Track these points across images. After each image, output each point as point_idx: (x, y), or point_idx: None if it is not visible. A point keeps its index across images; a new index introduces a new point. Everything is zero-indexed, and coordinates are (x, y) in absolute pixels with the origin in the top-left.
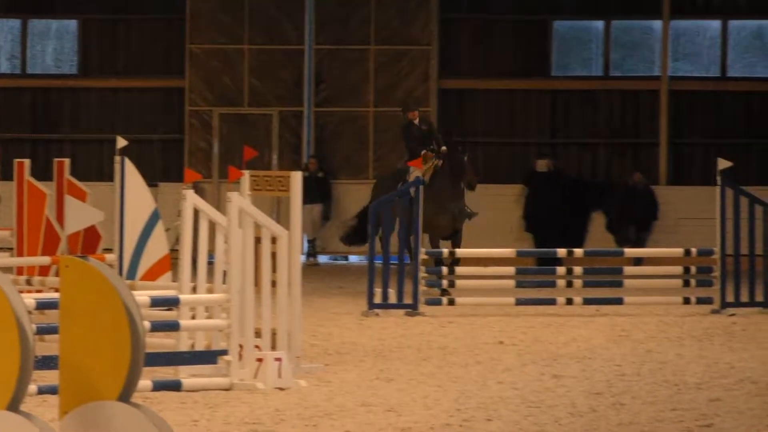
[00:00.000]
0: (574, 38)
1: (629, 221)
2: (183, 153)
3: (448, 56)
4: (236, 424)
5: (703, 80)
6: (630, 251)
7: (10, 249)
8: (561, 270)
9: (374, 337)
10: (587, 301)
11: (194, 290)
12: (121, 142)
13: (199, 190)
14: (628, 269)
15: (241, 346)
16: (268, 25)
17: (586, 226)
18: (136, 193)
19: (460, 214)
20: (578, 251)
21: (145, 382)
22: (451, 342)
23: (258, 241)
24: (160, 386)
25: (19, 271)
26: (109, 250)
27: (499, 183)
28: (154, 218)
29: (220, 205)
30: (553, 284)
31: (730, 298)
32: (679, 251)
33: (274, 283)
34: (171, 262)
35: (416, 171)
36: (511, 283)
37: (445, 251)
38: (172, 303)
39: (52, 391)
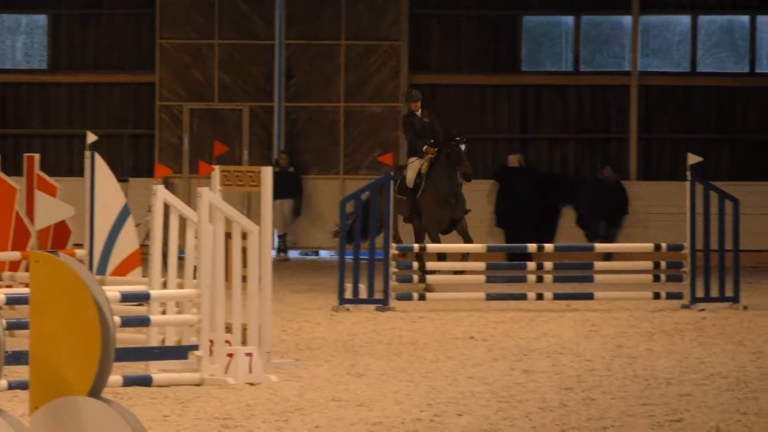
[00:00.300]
0: (544, 34)
1: (599, 216)
2: (153, 148)
3: (419, 52)
4: (207, 420)
5: (673, 75)
6: (600, 246)
7: None
8: (531, 265)
9: (345, 332)
10: (557, 297)
11: (165, 285)
12: (91, 138)
13: (169, 186)
14: (599, 264)
15: (211, 342)
16: (239, 21)
17: (557, 221)
18: (107, 188)
19: (457, 204)
20: (548, 246)
21: (115, 378)
22: (421, 337)
23: (228, 236)
24: (130, 381)
25: None
26: (79, 246)
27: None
28: (124, 213)
29: (190, 200)
30: (523, 279)
31: (700, 294)
32: (649, 246)
33: (244, 279)
34: (141, 257)
35: (413, 163)
36: (482, 278)
37: (416, 246)
38: (142, 298)
39: (22, 386)
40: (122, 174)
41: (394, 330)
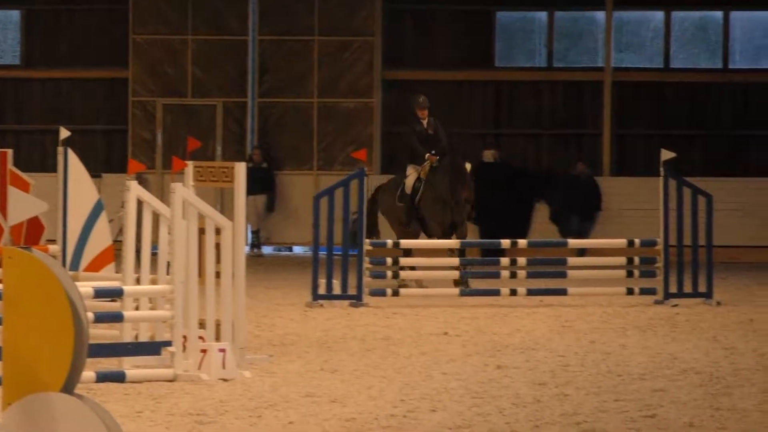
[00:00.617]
0: (518, 29)
1: (573, 212)
2: (126, 144)
3: (392, 47)
4: (180, 415)
5: (647, 71)
6: (574, 242)
7: None
8: (505, 261)
9: (318, 328)
10: (531, 292)
11: (138, 281)
12: (64, 133)
13: (142, 181)
14: (572, 260)
15: (185, 337)
16: (212, 16)
17: (530, 217)
18: (80, 184)
19: (457, 205)
20: (522, 242)
21: (88, 374)
22: (395, 333)
23: (202, 232)
24: (103, 377)
25: None
26: (52, 241)
27: None
28: (97, 209)
29: (163, 195)
30: (497, 275)
31: (673, 289)
32: (622, 242)
33: (218, 274)
34: (114, 253)
35: (413, 169)
36: (456, 273)
37: (390, 242)
38: (115, 294)
39: None
40: (95, 170)
41: (368, 326)
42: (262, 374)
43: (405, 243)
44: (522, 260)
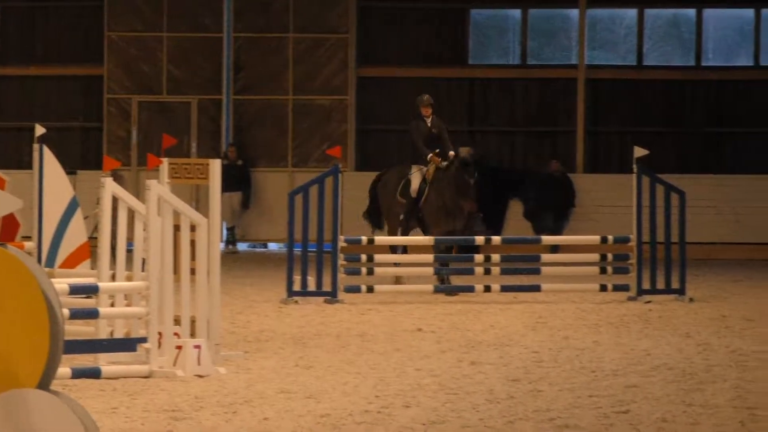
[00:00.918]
0: (492, 27)
1: (547, 209)
2: (102, 141)
3: (366, 44)
4: (156, 412)
5: (620, 69)
6: (547, 239)
7: None
8: (479, 257)
9: (293, 324)
10: (505, 289)
11: (113, 278)
12: (40, 130)
13: (117, 178)
14: (546, 257)
15: (160, 334)
16: (187, 13)
17: (504, 214)
18: (55, 181)
19: (460, 214)
20: (496, 239)
21: (64, 370)
22: (370, 329)
23: (177, 228)
24: (79, 374)
25: None
26: (27, 238)
27: None
28: (72, 206)
29: (139, 192)
30: (471, 272)
31: (646, 285)
32: (595, 239)
33: (193, 271)
34: (90, 249)
35: (417, 169)
36: (430, 270)
37: (364, 238)
38: (91, 291)
39: None
40: (71, 166)
41: (343, 322)
42: (238, 370)
43: (380, 240)
44: (496, 257)
